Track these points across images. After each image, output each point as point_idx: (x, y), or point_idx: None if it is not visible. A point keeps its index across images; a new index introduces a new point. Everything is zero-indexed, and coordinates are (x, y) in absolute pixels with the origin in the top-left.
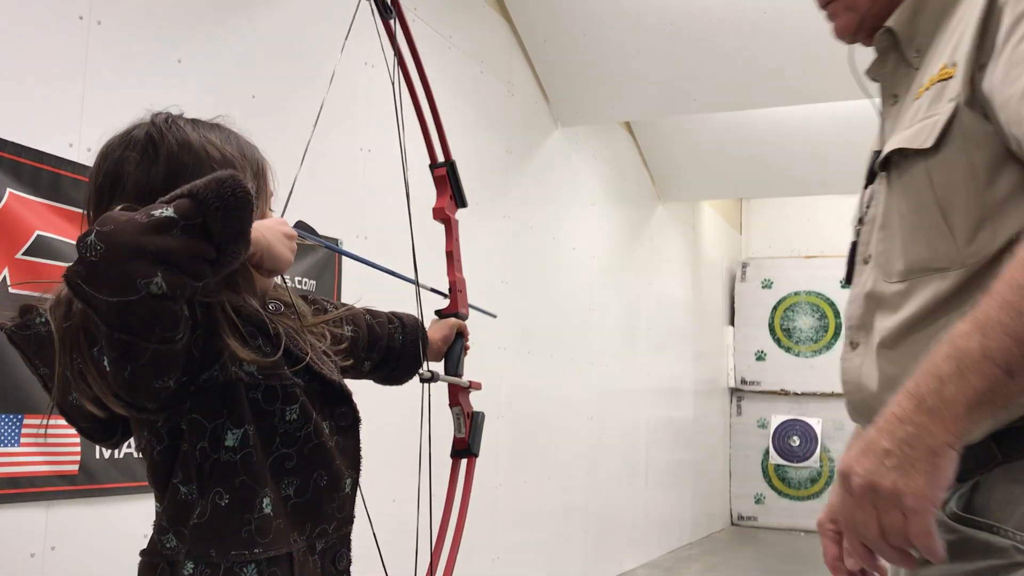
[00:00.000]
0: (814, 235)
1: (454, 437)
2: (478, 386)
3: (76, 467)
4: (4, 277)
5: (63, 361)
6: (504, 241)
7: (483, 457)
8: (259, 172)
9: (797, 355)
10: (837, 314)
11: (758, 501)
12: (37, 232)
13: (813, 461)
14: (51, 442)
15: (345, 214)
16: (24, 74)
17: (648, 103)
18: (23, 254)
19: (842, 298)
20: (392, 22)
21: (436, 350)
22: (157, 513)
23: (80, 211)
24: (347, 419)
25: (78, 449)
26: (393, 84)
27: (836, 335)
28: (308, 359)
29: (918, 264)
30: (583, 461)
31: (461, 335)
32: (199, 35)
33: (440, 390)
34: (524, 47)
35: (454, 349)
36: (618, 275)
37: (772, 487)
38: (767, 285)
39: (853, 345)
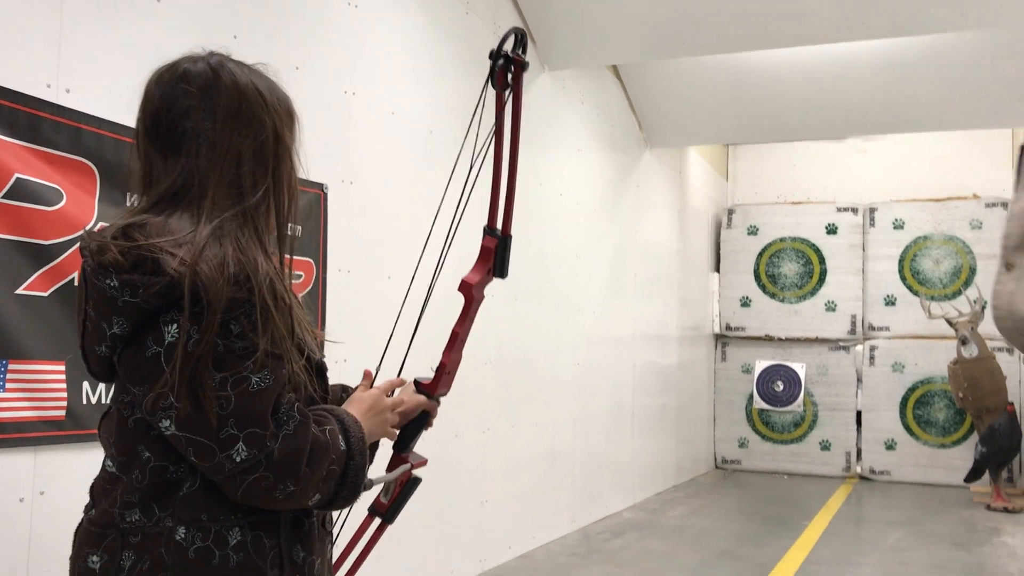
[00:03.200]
0: (800, 181)
1: (377, 498)
2: (422, 464)
3: (63, 412)
4: None
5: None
6: (489, 186)
7: (471, 403)
8: (292, 122)
9: (782, 301)
10: (822, 260)
11: (742, 445)
12: (16, 175)
13: (796, 406)
14: (36, 387)
15: (330, 159)
16: (1, 14)
17: (636, 46)
18: (3, 197)
19: (827, 244)
20: (507, 92)
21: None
22: (117, 482)
23: (60, 153)
24: (320, 392)
25: (64, 395)
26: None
27: (821, 281)
28: (309, 351)
29: None
30: (570, 406)
31: (427, 415)
32: None
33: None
34: None
35: (411, 428)
36: (605, 222)
37: (756, 431)
38: (752, 231)
39: (1008, 267)
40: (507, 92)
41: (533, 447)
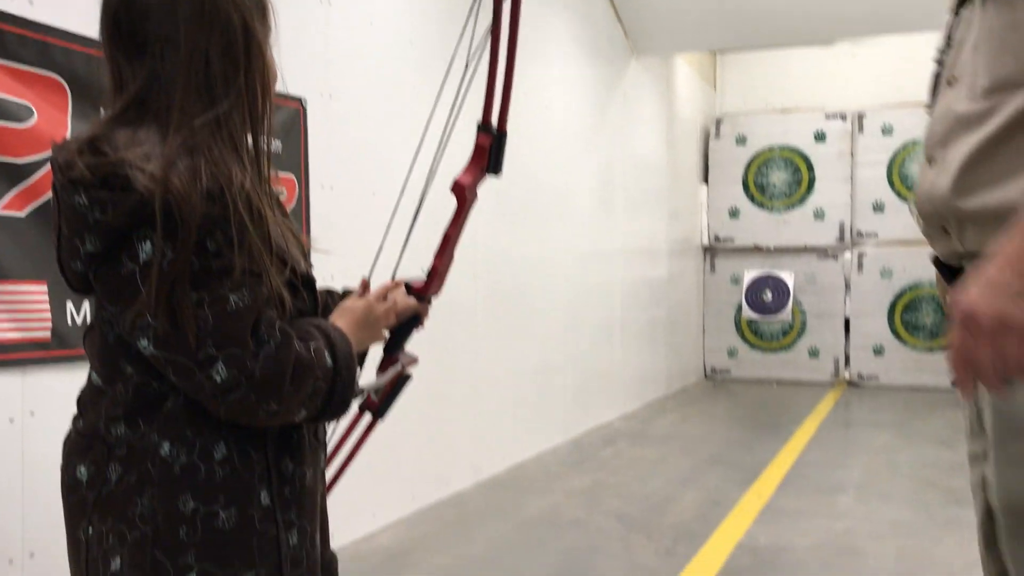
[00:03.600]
0: (788, 89)
1: (367, 396)
2: (413, 362)
3: (48, 333)
4: None
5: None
6: (472, 98)
7: (462, 318)
8: (264, 16)
9: (771, 211)
10: (811, 168)
11: (731, 354)
12: None
13: (785, 314)
14: (20, 308)
15: (308, 72)
16: None
17: None
18: None
19: (816, 152)
20: None
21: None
22: (103, 394)
23: (28, 68)
24: (309, 303)
25: (48, 315)
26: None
27: (809, 189)
28: (293, 263)
29: (1005, 80)
30: (560, 320)
31: (418, 316)
32: None
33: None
34: None
35: (402, 329)
36: (592, 134)
37: (745, 341)
38: (741, 141)
39: (931, 161)
40: None
41: (524, 360)
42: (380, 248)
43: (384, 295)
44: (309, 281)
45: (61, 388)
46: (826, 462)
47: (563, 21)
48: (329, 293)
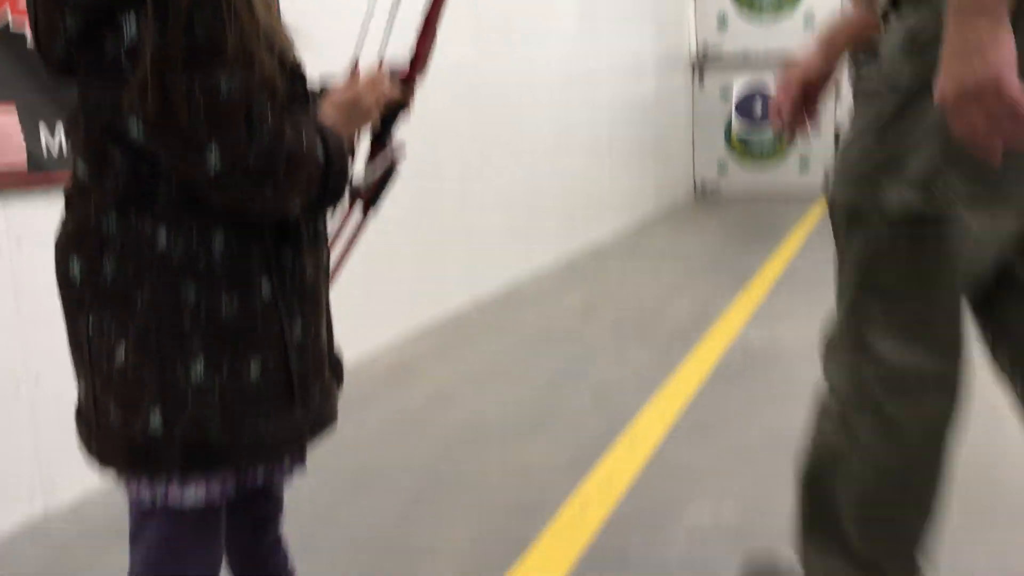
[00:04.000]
0: None
1: (357, 189)
2: (401, 150)
3: (23, 160)
4: None
5: None
6: None
7: (447, 142)
8: None
9: (759, 19)
10: None
11: (721, 170)
12: None
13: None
14: None
15: None
16: None
17: None
18: None
19: None
20: None
21: None
22: (90, 189)
23: None
24: (297, 97)
25: (21, 140)
26: None
27: None
28: (281, 50)
29: None
30: (546, 141)
31: (404, 103)
32: None
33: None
34: None
35: (390, 118)
36: None
37: (734, 156)
38: None
39: None
40: None
41: (513, 182)
42: (364, 30)
43: (372, 83)
44: (298, 71)
45: (45, 216)
46: (816, 267)
47: None
48: (323, 87)
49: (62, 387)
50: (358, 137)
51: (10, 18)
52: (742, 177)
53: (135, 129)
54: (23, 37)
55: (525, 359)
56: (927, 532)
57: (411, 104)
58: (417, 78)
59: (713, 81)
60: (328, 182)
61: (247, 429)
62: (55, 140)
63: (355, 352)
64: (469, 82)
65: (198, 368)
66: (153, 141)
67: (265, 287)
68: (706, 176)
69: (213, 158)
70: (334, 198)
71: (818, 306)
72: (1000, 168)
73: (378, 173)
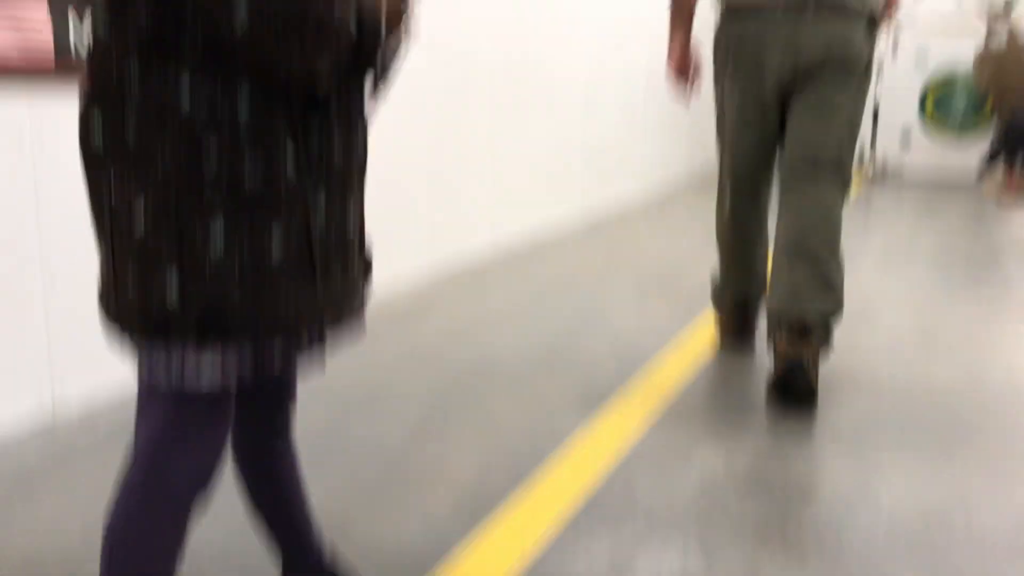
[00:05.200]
0: None
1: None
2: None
3: (51, 55)
4: None
5: None
6: None
7: (478, 86)
8: None
9: None
10: None
11: None
12: None
13: None
14: (17, 24)
15: None
16: None
17: None
18: None
19: None
20: None
21: None
22: (110, 47)
23: None
24: None
25: (50, 35)
26: None
27: None
28: None
29: None
30: (579, 100)
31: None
32: None
33: None
34: None
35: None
36: None
37: None
38: None
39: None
40: None
41: (541, 135)
42: None
43: None
44: None
45: (69, 114)
46: (844, 238)
47: None
48: None
49: (77, 292)
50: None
51: None
52: None
53: None
54: None
55: (543, 304)
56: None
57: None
58: None
59: None
60: (361, 52)
61: (266, 298)
62: (84, 30)
63: (374, 286)
64: (506, 32)
65: (217, 233)
66: None
67: (290, 156)
68: None
69: (239, 15)
70: (366, 68)
71: (846, 277)
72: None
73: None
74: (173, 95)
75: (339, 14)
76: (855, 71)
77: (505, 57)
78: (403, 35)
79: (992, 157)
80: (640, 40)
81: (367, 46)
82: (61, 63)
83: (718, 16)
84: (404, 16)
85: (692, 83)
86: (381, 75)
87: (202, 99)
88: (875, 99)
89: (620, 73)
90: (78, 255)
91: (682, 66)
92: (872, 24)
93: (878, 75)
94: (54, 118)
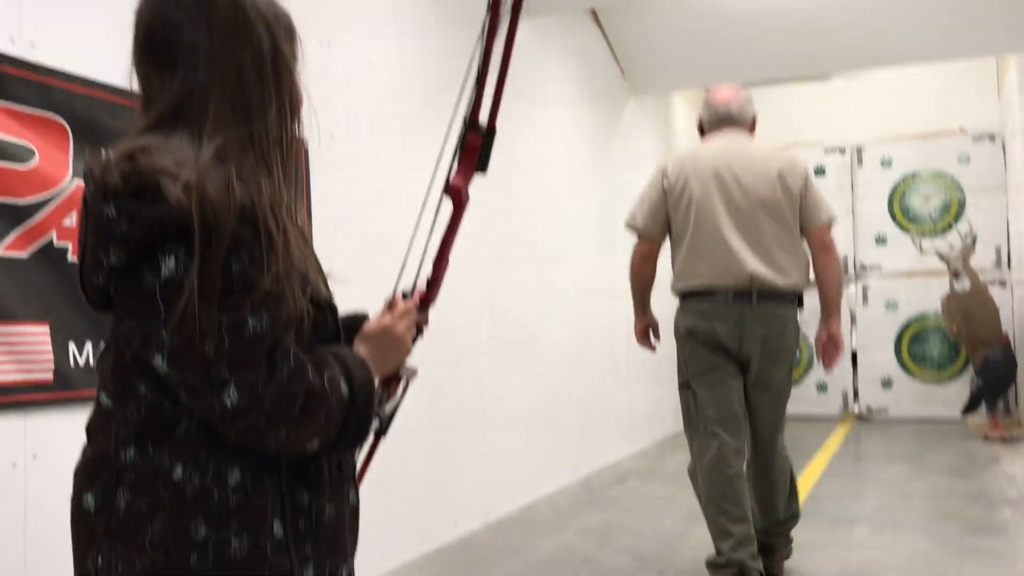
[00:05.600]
0: (787, 124)
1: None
2: (414, 374)
3: (50, 375)
4: None
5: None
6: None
7: (467, 359)
8: (292, 39)
9: None
10: None
11: None
12: None
13: None
14: (22, 349)
15: (308, 113)
16: None
17: None
18: None
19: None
20: None
21: None
22: (112, 418)
23: (30, 110)
24: (331, 329)
25: (50, 356)
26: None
27: None
28: (314, 290)
29: None
30: (564, 358)
31: (419, 329)
32: None
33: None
34: None
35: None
36: (591, 173)
37: None
38: None
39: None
40: None
41: (530, 399)
42: (400, 276)
43: (404, 312)
44: (331, 306)
45: (64, 430)
46: (839, 494)
47: (561, 63)
48: (355, 318)
49: None
50: (394, 369)
51: (54, 234)
52: None
53: (159, 361)
54: (64, 254)
55: None
56: None
57: (426, 328)
58: (432, 301)
59: None
60: (349, 421)
61: None
62: (83, 357)
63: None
64: (489, 298)
65: None
66: (174, 373)
67: (276, 527)
68: None
69: (231, 394)
70: (356, 438)
71: (843, 537)
72: None
73: (397, 402)
74: (166, 472)
75: (328, 385)
76: (788, 347)
77: (489, 326)
78: (401, 393)
79: (973, 402)
80: (621, 292)
81: (360, 416)
82: (59, 386)
83: (677, 298)
84: (403, 378)
85: (654, 344)
86: (378, 431)
87: (193, 476)
88: (851, 346)
89: (603, 327)
90: (66, 572)
91: (644, 332)
92: (799, 301)
93: (852, 323)
94: (49, 434)
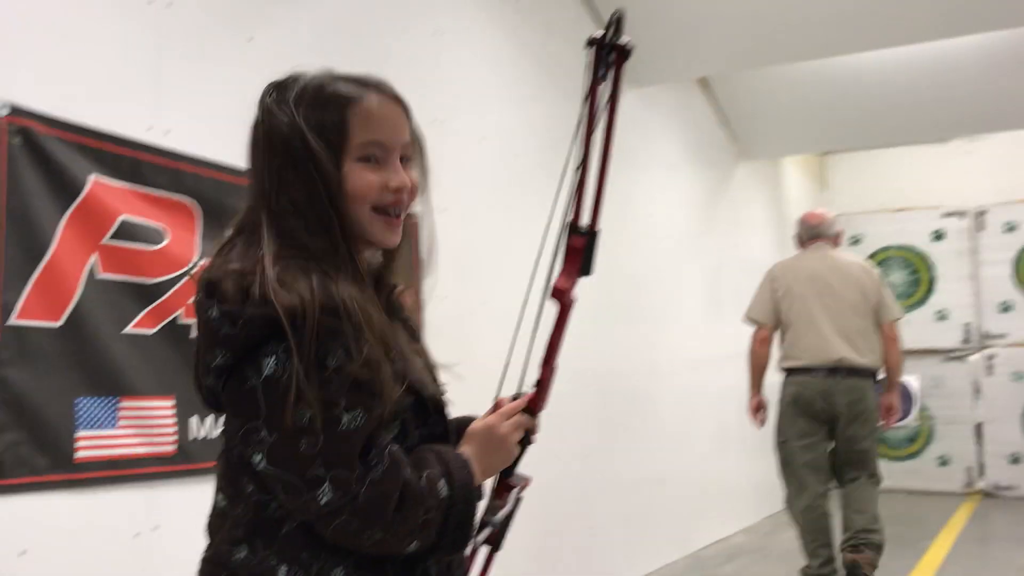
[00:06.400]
0: (902, 187)
1: (486, 521)
2: (527, 484)
3: (174, 447)
4: (93, 263)
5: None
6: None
7: (573, 427)
8: (341, 117)
9: None
10: (930, 267)
11: None
12: (121, 216)
13: (911, 420)
14: (147, 423)
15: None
16: (100, 61)
17: (725, 56)
18: (110, 239)
19: (934, 251)
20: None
21: None
22: (226, 517)
23: (162, 193)
24: (439, 428)
25: (175, 430)
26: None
27: (930, 289)
28: (420, 387)
29: None
30: (672, 428)
31: (529, 434)
32: (269, 12)
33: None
34: (594, 7)
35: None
36: (700, 239)
37: None
38: (855, 241)
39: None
40: (604, 77)
41: (636, 471)
42: (506, 366)
43: (509, 413)
44: (438, 404)
45: (185, 502)
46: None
47: (668, 128)
48: (464, 420)
49: None
50: (498, 472)
51: (181, 312)
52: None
53: (259, 459)
54: (188, 330)
55: None
56: None
57: (535, 435)
58: (542, 405)
59: None
60: (448, 523)
61: None
62: (204, 430)
63: None
64: (594, 368)
65: None
66: (272, 471)
67: None
68: None
69: (325, 492)
70: (457, 541)
71: None
72: None
73: (509, 511)
74: (272, 573)
75: (426, 487)
76: (868, 408)
77: (596, 397)
78: (514, 502)
79: None
80: (729, 360)
81: (461, 517)
82: (181, 459)
83: (784, 373)
84: (514, 487)
85: (763, 419)
86: (492, 543)
87: (297, 569)
88: (975, 418)
89: (712, 395)
90: None
91: (757, 408)
92: (874, 376)
93: (977, 394)
94: (171, 506)
